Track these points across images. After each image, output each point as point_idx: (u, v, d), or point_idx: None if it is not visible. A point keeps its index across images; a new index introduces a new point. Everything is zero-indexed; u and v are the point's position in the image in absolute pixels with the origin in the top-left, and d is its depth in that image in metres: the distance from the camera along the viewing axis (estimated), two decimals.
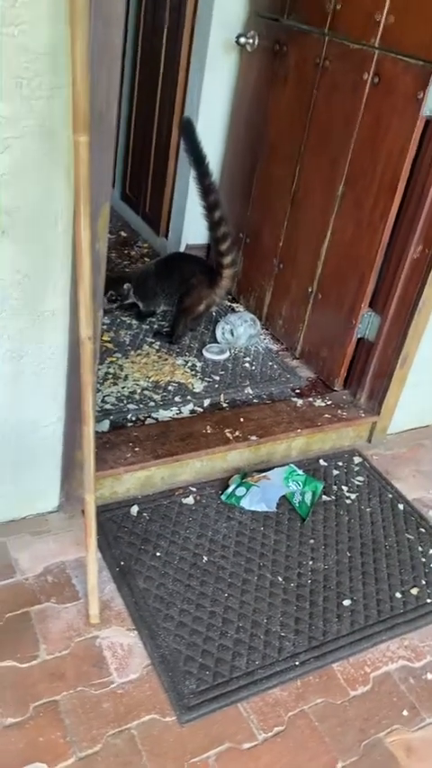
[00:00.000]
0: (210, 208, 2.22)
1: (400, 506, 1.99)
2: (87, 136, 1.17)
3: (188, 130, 2.20)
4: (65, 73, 1.20)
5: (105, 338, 2.36)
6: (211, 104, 2.66)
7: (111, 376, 2.16)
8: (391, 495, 2.02)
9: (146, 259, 3.03)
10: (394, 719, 1.43)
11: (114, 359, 2.26)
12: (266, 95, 2.44)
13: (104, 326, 2.43)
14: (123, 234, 3.28)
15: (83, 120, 1.15)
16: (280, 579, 1.68)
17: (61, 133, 1.26)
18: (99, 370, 2.17)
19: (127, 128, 3.33)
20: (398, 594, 1.70)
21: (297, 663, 1.50)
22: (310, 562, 1.75)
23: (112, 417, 1.98)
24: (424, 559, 1.82)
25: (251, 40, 2.43)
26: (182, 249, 2.88)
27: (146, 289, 2.47)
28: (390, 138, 1.94)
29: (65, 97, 1.22)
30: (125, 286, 2.43)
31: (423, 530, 1.92)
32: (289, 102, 2.34)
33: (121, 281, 2.44)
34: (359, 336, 2.20)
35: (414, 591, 1.72)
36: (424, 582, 1.75)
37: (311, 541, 1.81)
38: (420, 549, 1.85)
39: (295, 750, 1.34)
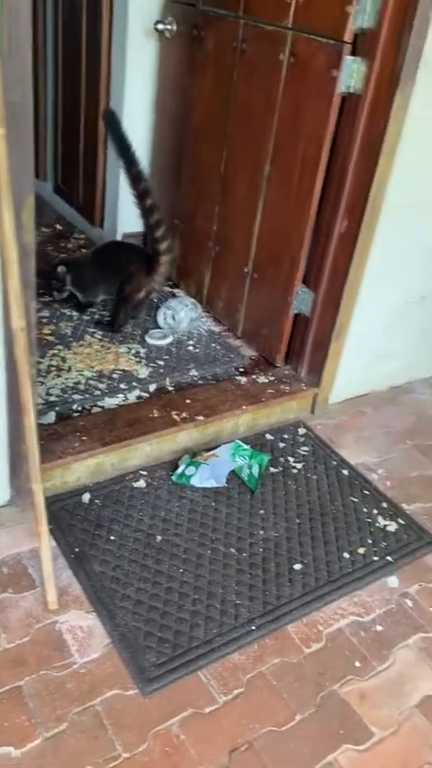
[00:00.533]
0: (140, 196, 2.24)
1: (345, 472, 2.07)
2: (4, 128, 1.18)
3: (112, 121, 2.22)
4: None
5: (46, 331, 2.36)
6: (136, 92, 2.67)
7: (54, 368, 2.18)
8: (335, 462, 2.10)
9: (83, 250, 3.03)
10: (347, 671, 1.51)
11: (56, 351, 2.27)
12: (189, 80, 2.47)
13: (44, 319, 2.43)
14: (59, 227, 3.27)
15: None
16: (233, 550, 1.74)
17: None
18: (41, 363, 2.18)
19: (54, 121, 3.31)
20: (346, 555, 1.78)
21: (253, 627, 1.56)
22: (261, 531, 1.81)
23: (57, 409, 1.99)
24: (369, 520, 1.90)
25: (169, 26, 2.45)
26: (118, 238, 2.89)
27: (84, 278, 2.48)
28: (309, 117, 1.99)
29: None
30: (59, 269, 2.43)
31: (367, 492, 2.00)
32: (211, 86, 2.37)
33: (55, 266, 2.45)
34: (296, 312, 2.26)
35: (361, 550, 1.80)
36: (370, 541, 1.84)
37: (261, 512, 1.87)
38: (365, 510, 1.94)
39: (255, 708, 1.40)
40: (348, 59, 1.85)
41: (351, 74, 1.87)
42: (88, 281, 2.49)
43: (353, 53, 1.85)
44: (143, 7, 2.50)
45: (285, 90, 2.06)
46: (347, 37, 1.83)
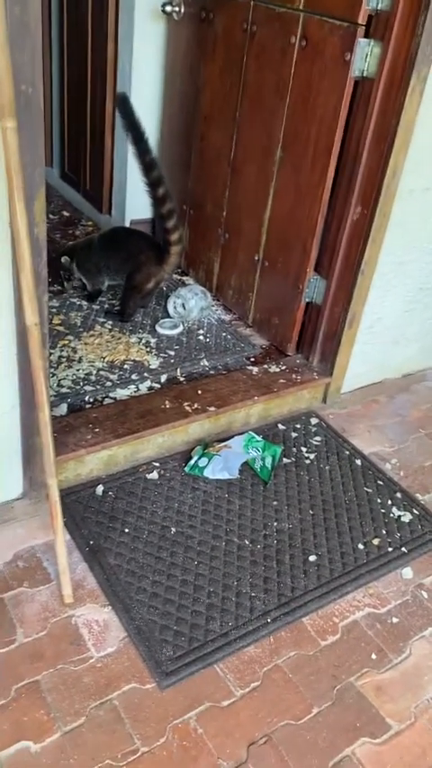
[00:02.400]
0: (153, 184, 2.20)
1: (358, 462, 2.06)
2: (14, 121, 1.16)
3: (124, 107, 2.16)
4: None
5: (56, 321, 2.35)
6: (144, 76, 2.63)
7: (65, 359, 2.16)
8: (348, 452, 2.09)
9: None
10: (363, 663, 1.51)
11: (67, 342, 2.25)
12: (197, 63, 2.43)
13: (54, 309, 2.42)
14: (66, 213, 3.24)
15: (8, 105, 1.13)
16: (247, 542, 1.74)
17: None
18: (52, 354, 2.17)
19: (60, 106, 3.26)
20: (360, 546, 1.77)
21: (269, 620, 1.56)
22: (275, 523, 1.80)
23: (69, 400, 1.98)
24: (383, 510, 1.89)
25: (177, 8, 2.40)
26: (126, 225, 2.86)
27: (89, 264, 2.45)
28: (321, 101, 1.95)
29: None
30: (63, 259, 2.41)
31: (381, 482, 1.99)
32: (220, 70, 2.33)
33: (58, 256, 2.42)
34: (307, 301, 2.24)
35: (375, 541, 1.79)
36: (384, 531, 1.83)
37: (275, 503, 1.87)
38: (379, 500, 1.93)
39: (272, 702, 1.40)
40: (362, 42, 1.80)
41: (365, 57, 1.83)
42: (93, 266, 2.46)
43: (366, 35, 1.81)
44: None
45: (297, 73, 2.02)
46: (361, 19, 1.78)
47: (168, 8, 2.41)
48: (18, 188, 1.19)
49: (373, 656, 1.52)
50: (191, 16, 2.40)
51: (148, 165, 2.15)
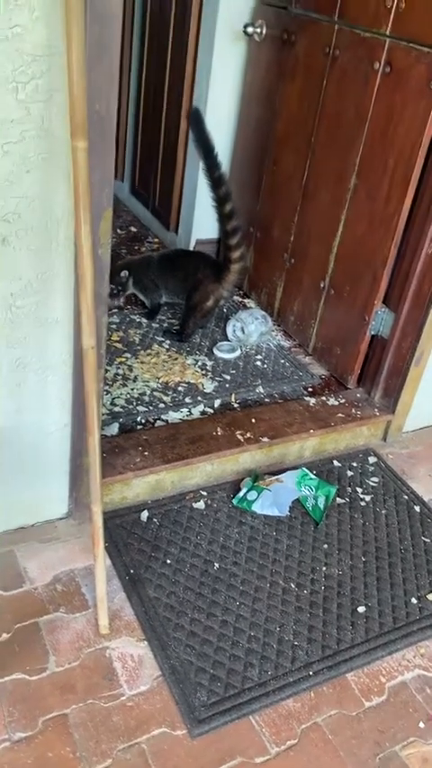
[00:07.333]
0: (220, 201, 2.17)
1: (417, 508, 1.95)
2: (85, 141, 1.13)
3: (196, 120, 2.14)
4: (62, 75, 1.16)
5: (114, 338, 2.33)
6: (220, 95, 2.60)
7: (120, 377, 2.14)
8: (406, 497, 1.98)
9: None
10: (410, 731, 1.40)
11: (124, 359, 2.23)
12: (275, 85, 2.39)
13: (113, 326, 2.40)
14: (133, 229, 3.24)
15: (81, 125, 1.11)
16: (293, 586, 1.66)
17: (61, 137, 1.22)
18: (108, 371, 2.15)
19: (135, 122, 3.28)
20: (414, 600, 1.67)
21: (310, 673, 1.47)
22: (324, 568, 1.72)
23: (121, 420, 1.95)
24: None
25: (259, 30, 2.37)
26: (192, 244, 2.84)
27: (146, 280, 2.43)
28: (402, 130, 1.88)
29: (63, 100, 1.19)
30: (122, 273, 2.39)
31: None
32: (299, 93, 2.28)
33: (118, 270, 2.40)
34: (373, 333, 2.15)
35: (430, 596, 1.68)
36: None
37: (325, 546, 1.78)
38: None
39: (308, 764, 1.31)
40: None
41: None
42: (150, 283, 2.44)
43: None
44: (233, 10, 2.43)
45: (378, 101, 1.95)
46: None
47: (250, 29, 2.39)
48: (85, 209, 1.16)
49: (421, 725, 1.41)
50: (272, 38, 2.36)
51: (215, 181, 2.13)
